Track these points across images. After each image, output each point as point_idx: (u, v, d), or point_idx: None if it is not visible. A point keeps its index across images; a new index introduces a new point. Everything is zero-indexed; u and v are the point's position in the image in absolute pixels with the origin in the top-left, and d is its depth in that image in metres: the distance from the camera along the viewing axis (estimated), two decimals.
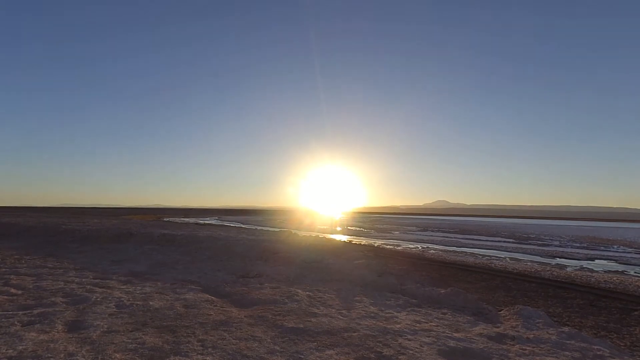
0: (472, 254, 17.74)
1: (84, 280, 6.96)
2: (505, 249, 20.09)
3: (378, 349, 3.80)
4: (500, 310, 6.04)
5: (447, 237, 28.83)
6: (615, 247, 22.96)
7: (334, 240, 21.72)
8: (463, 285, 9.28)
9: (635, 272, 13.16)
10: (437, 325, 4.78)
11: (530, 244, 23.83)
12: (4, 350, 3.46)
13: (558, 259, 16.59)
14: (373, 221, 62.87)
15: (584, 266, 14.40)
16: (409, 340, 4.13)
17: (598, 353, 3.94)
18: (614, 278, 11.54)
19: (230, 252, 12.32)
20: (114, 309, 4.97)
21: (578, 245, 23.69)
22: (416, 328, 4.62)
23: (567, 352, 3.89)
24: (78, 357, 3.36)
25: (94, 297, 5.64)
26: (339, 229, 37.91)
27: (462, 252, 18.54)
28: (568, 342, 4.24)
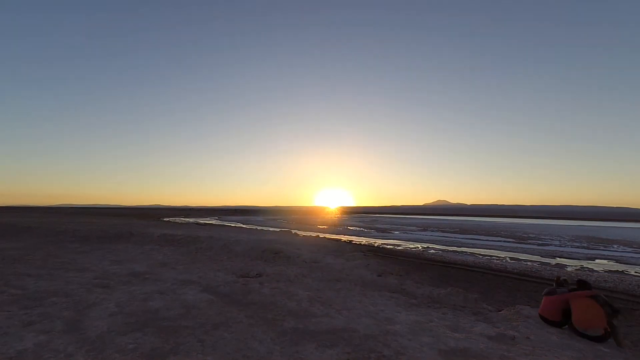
0: (472, 253, 17.74)
1: (84, 280, 6.96)
2: (505, 249, 20.10)
3: (378, 349, 3.80)
4: (500, 310, 6.03)
5: (447, 237, 28.83)
6: (615, 246, 22.96)
7: (334, 240, 21.73)
8: (463, 285, 9.28)
9: (635, 272, 13.16)
10: (437, 325, 4.78)
11: (530, 243, 23.83)
12: (4, 351, 3.46)
13: (558, 258, 16.59)
14: (373, 221, 62.88)
15: (584, 266, 14.41)
16: (409, 340, 4.13)
17: (598, 353, 3.94)
18: (614, 277, 11.55)
19: (230, 252, 12.33)
20: (114, 309, 4.97)
21: (578, 244, 23.69)
22: (416, 328, 4.61)
23: (567, 352, 3.88)
24: (78, 357, 3.36)
25: (94, 297, 5.64)
26: (339, 228, 37.91)
27: (462, 251, 18.54)
28: (568, 341, 4.24)
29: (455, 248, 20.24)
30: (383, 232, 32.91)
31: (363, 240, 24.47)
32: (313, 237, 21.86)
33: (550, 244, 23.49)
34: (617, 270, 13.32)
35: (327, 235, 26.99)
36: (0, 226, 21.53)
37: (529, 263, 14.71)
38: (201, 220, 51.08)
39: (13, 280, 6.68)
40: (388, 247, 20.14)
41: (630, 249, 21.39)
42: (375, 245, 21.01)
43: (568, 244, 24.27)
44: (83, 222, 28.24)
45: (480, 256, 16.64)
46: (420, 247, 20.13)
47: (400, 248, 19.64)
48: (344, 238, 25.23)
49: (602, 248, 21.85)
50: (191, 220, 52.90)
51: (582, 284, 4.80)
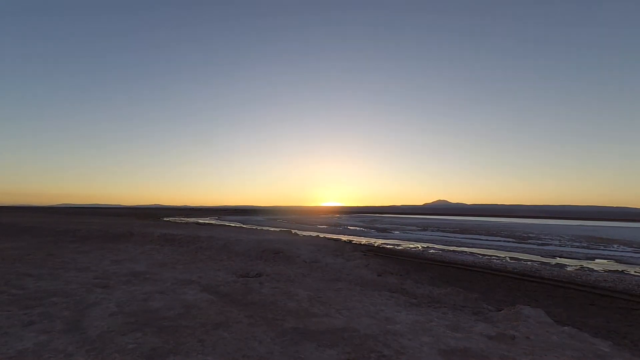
0: (472, 253, 17.74)
1: (84, 280, 6.96)
2: (505, 249, 20.09)
3: (378, 349, 3.80)
4: (500, 310, 6.03)
5: (447, 236, 28.82)
6: (615, 246, 22.95)
7: (334, 239, 21.73)
8: (463, 285, 9.28)
9: (635, 271, 13.16)
10: (437, 325, 4.78)
11: (530, 243, 23.83)
12: (4, 351, 3.46)
13: (558, 258, 16.59)
14: (373, 221, 62.87)
15: (584, 265, 14.40)
16: (409, 340, 4.13)
17: (598, 353, 3.94)
18: (614, 277, 11.54)
19: (230, 252, 12.33)
20: (114, 309, 4.97)
21: (578, 244, 23.69)
22: (416, 328, 4.62)
23: (567, 352, 3.88)
24: (78, 357, 3.36)
25: (94, 297, 5.64)
26: (339, 228, 37.91)
27: (462, 251, 18.54)
28: (568, 341, 4.24)
29: (455, 248, 20.24)
30: (383, 232, 32.91)
31: (363, 240, 24.48)
32: (313, 237, 21.87)
33: (550, 244, 23.49)
34: (617, 270, 13.32)
35: (327, 235, 27.00)
36: (0, 226, 21.53)
37: (529, 263, 14.71)
38: (201, 220, 51.07)
39: (13, 280, 6.68)
40: (388, 246, 20.14)
41: (630, 249, 21.39)
42: (375, 245, 21.01)
43: (568, 243, 24.27)
44: (83, 222, 28.24)
45: (480, 256, 16.63)
46: (420, 247, 20.13)
47: (400, 248, 19.64)
48: (344, 238, 25.23)
49: (602, 248, 21.85)
50: (191, 220, 52.89)
51: None
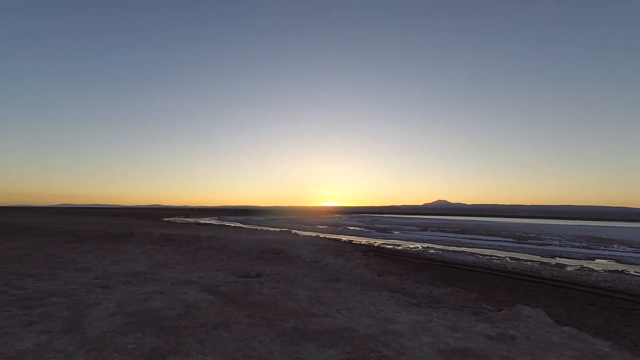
0: (472, 253, 17.74)
1: (84, 280, 6.96)
2: (505, 249, 20.08)
3: (378, 349, 3.80)
4: (500, 310, 6.03)
5: (447, 236, 28.82)
6: (615, 246, 22.95)
7: (334, 239, 21.73)
8: (463, 285, 9.28)
9: (635, 271, 13.16)
10: (437, 325, 4.78)
11: (530, 243, 23.83)
12: (4, 351, 3.46)
13: (558, 258, 16.58)
14: (373, 221, 62.85)
15: (584, 265, 14.40)
16: (409, 340, 4.13)
17: (598, 352, 3.94)
18: (614, 277, 11.55)
19: (230, 252, 12.33)
20: (114, 309, 4.97)
21: (578, 244, 23.68)
22: (416, 328, 4.62)
23: (567, 352, 3.89)
24: (78, 357, 3.36)
25: (94, 297, 5.64)
26: (339, 228, 37.90)
27: (462, 251, 18.54)
28: (568, 341, 4.24)
29: (455, 248, 20.23)
30: (383, 232, 32.90)
31: (363, 240, 24.48)
32: (313, 237, 21.87)
33: (550, 244, 23.49)
34: (617, 270, 13.32)
35: (327, 235, 26.99)
36: (0, 226, 21.53)
37: (529, 263, 14.70)
38: (201, 220, 51.08)
39: (13, 280, 6.69)
40: (388, 247, 20.14)
41: (630, 249, 21.38)
42: (375, 245, 21.01)
43: (568, 243, 24.27)
44: (83, 222, 28.24)
45: (480, 256, 16.63)
46: (420, 247, 20.13)
47: (400, 248, 19.64)
48: (344, 238, 25.22)
49: (602, 248, 21.85)
50: (191, 220, 52.89)
51: None
